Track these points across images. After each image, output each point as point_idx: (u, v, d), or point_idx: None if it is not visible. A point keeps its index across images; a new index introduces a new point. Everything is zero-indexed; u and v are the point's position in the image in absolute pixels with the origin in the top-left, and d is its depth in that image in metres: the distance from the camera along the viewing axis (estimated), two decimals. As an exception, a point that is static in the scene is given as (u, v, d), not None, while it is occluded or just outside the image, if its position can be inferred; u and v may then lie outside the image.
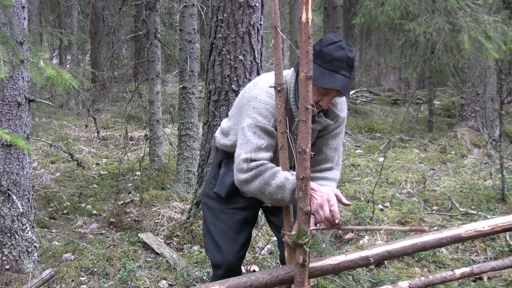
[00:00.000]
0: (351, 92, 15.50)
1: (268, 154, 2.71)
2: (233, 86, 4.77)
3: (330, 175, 2.94)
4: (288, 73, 2.83)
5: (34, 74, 2.63)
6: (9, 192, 3.94)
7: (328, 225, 2.55)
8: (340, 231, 5.13)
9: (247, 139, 2.72)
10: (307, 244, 2.41)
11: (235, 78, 4.78)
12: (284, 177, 2.62)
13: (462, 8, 6.06)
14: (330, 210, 2.51)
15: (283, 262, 2.93)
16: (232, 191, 2.96)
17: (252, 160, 2.67)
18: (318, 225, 2.70)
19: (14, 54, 2.95)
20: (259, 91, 2.77)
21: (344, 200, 2.61)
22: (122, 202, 6.37)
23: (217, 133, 3.13)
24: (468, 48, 5.81)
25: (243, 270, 4.32)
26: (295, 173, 2.53)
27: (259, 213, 3.25)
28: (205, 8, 8.08)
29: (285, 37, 2.40)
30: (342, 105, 2.97)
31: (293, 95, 2.79)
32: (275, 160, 2.87)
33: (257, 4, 4.77)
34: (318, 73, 2.56)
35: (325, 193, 2.56)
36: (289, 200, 2.63)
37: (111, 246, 5.07)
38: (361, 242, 4.93)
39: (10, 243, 3.98)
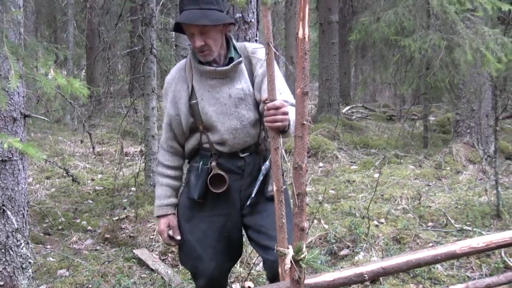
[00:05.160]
0: (346, 108, 15.55)
1: (169, 135, 3.19)
2: (229, 102, 4.77)
3: None
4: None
5: (44, 83, 2.62)
6: (4, 207, 3.92)
7: None
8: (335, 247, 5.13)
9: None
10: (303, 260, 2.39)
11: (231, 94, 4.78)
12: (158, 194, 3.08)
13: (462, 20, 6.09)
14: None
15: (272, 281, 2.80)
16: (204, 192, 2.91)
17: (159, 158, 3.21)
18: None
19: (24, 64, 2.95)
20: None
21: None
22: (117, 217, 6.34)
23: None
24: (470, 60, 5.83)
25: (238, 287, 4.31)
26: (166, 198, 3.04)
27: None
28: (201, 24, 8.10)
29: (278, 53, 2.41)
30: (254, 47, 2.99)
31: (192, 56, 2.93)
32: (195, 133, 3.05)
33: (252, 20, 4.79)
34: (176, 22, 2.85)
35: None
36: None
37: (106, 262, 5.05)
38: (356, 258, 4.92)
39: (4, 259, 3.96)
